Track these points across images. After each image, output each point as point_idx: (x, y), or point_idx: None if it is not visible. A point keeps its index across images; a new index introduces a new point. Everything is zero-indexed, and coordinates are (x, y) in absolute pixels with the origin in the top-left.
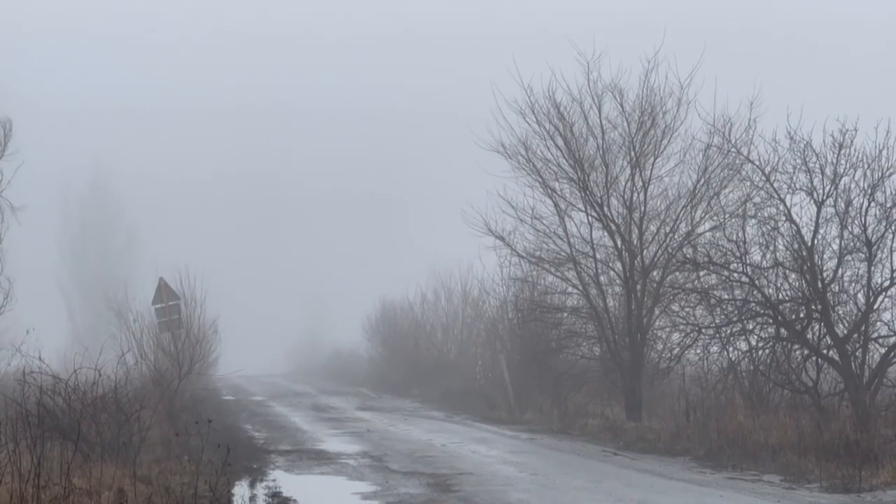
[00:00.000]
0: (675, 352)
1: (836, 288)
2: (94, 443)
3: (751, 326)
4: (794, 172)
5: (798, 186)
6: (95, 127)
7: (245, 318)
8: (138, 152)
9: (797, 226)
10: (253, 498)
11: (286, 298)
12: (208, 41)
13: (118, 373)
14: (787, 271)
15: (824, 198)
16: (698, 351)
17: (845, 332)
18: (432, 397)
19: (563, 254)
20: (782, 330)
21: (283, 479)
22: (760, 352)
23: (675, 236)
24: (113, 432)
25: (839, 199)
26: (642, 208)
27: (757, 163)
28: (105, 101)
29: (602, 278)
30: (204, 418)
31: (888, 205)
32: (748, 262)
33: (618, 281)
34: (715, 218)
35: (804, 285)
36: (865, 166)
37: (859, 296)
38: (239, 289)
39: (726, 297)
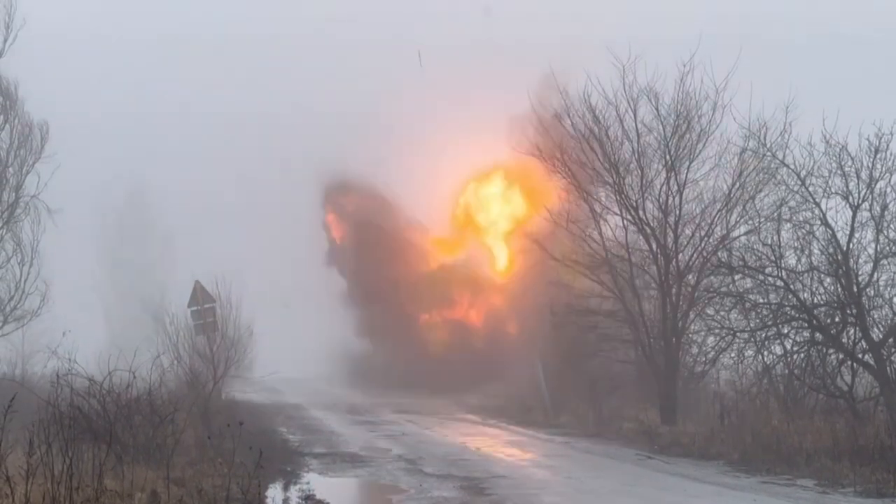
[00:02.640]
0: (709, 356)
1: (872, 292)
2: (128, 445)
3: (786, 330)
4: (829, 176)
5: (833, 190)
6: (138, 133)
7: (283, 320)
8: (177, 156)
9: (832, 230)
10: (286, 500)
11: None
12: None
13: (153, 375)
14: (823, 275)
15: (860, 202)
16: (733, 355)
17: (881, 336)
18: (468, 400)
19: (598, 257)
20: (817, 334)
21: (316, 481)
22: (795, 356)
23: (710, 240)
24: (147, 434)
25: (875, 203)
26: (677, 212)
27: (792, 167)
28: (148, 105)
29: (637, 282)
30: (238, 421)
31: None
32: (783, 265)
33: (653, 284)
34: (750, 222)
35: (839, 289)
36: None
37: (895, 300)
38: (278, 290)
39: (761, 300)
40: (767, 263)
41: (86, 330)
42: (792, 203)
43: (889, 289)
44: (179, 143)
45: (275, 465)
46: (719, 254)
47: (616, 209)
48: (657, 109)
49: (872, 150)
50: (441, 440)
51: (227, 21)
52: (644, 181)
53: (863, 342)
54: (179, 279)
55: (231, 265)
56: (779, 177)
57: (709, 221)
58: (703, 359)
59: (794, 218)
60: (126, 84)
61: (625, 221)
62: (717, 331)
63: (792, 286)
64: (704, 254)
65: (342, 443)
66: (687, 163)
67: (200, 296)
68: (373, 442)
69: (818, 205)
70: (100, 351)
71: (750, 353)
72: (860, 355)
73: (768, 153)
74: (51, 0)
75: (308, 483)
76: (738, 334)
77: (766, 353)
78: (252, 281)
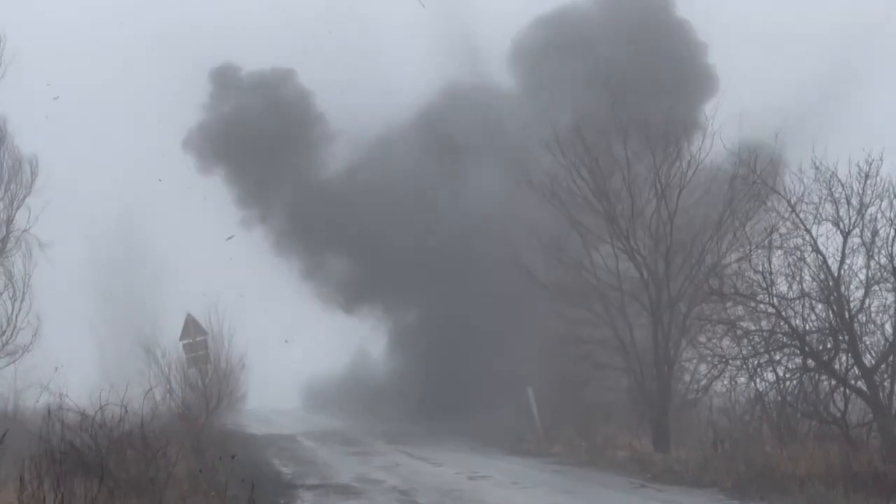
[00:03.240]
0: (702, 383)
1: (864, 318)
2: (120, 479)
3: (778, 357)
4: (819, 202)
5: (824, 216)
6: (127, 165)
7: (276, 352)
8: (168, 193)
9: (823, 256)
10: None
11: (319, 331)
12: None
13: (145, 409)
14: (814, 302)
15: (850, 228)
16: (725, 382)
17: (873, 362)
18: (462, 430)
19: (589, 286)
20: (809, 360)
21: None
22: (788, 383)
23: (702, 267)
24: (139, 468)
25: (865, 229)
26: (668, 240)
27: (782, 193)
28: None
29: (629, 310)
30: (231, 453)
31: None
32: (774, 292)
33: (644, 313)
34: (741, 249)
35: (831, 316)
36: (892, 196)
37: (887, 326)
38: (271, 322)
39: (753, 328)
40: (759, 290)
41: (78, 364)
42: (783, 230)
43: (880, 315)
44: (171, 175)
45: (267, 497)
46: (710, 281)
47: (607, 237)
48: (647, 137)
49: (862, 175)
50: (435, 471)
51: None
52: (634, 209)
53: (855, 368)
54: (172, 312)
55: (226, 297)
56: (769, 203)
57: (700, 249)
58: (696, 386)
59: (785, 244)
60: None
61: (615, 250)
62: (708, 358)
63: (783, 313)
64: (696, 281)
65: (335, 474)
66: (677, 190)
67: (192, 329)
68: (366, 473)
69: (809, 231)
70: (92, 385)
71: (742, 380)
72: (853, 381)
73: (758, 180)
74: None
75: None
76: (730, 361)
77: (758, 380)
78: (248, 311)
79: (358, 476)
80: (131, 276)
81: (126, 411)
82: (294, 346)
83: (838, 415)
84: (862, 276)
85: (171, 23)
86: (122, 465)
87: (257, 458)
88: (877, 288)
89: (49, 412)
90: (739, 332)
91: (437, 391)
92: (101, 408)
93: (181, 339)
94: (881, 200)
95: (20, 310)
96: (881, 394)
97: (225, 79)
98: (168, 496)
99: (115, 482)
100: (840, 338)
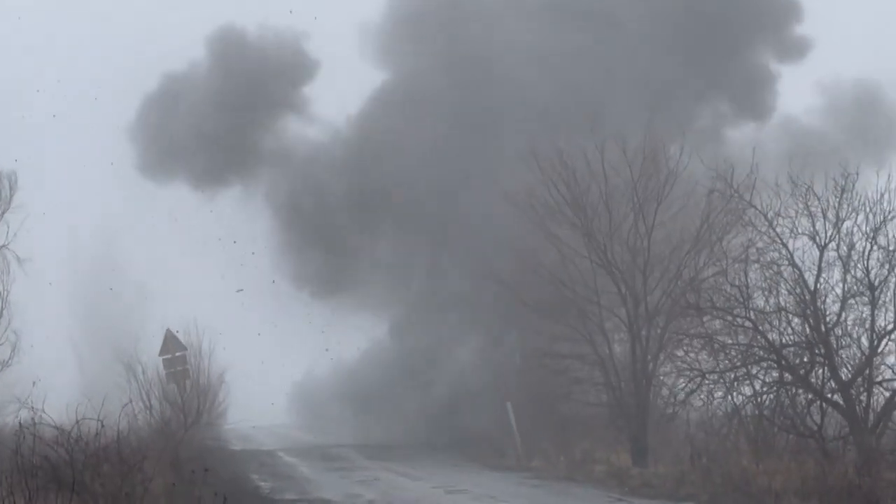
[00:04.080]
0: (679, 397)
1: (840, 332)
2: (96, 493)
3: (755, 371)
4: (796, 217)
5: (800, 231)
6: (105, 180)
7: (257, 368)
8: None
9: (800, 270)
10: None
11: (298, 346)
12: None
13: (122, 423)
14: (791, 315)
15: (827, 242)
16: (703, 396)
17: (849, 375)
18: (441, 445)
19: (567, 300)
20: (786, 374)
21: None
22: (765, 396)
23: (679, 282)
24: (115, 483)
25: (842, 243)
26: (646, 254)
27: (759, 208)
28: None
29: (607, 325)
30: (209, 468)
31: (891, 248)
32: (751, 306)
33: (622, 327)
34: (718, 263)
35: (807, 329)
36: (867, 210)
37: (863, 339)
38: (252, 338)
39: (730, 342)
40: (736, 304)
41: (59, 380)
42: (760, 244)
43: (857, 328)
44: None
45: None
46: (688, 295)
47: (584, 252)
48: (624, 152)
49: (839, 190)
50: (412, 486)
51: None
52: (612, 224)
53: (832, 382)
54: (152, 327)
55: (207, 312)
56: (746, 218)
57: (677, 263)
58: (674, 400)
59: (762, 259)
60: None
61: (593, 264)
62: (686, 372)
63: (760, 327)
64: (673, 296)
65: (314, 489)
66: (655, 205)
67: (171, 344)
68: (345, 488)
69: (785, 245)
70: (71, 400)
71: (719, 394)
72: (829, 395)
73: (735, 195)
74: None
75: None
76: (707, 375)
77: (735, 393)
78: (228, 327)
79: (337, 491)
80: (112, 290)
81: (103, 426)
82: (279, 358)
83: (815, 428)
84: (838, 290)
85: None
86: (98, 479)
87: (236, 472)
88: (853, 301)
89: (20, 426)
90: (717, 346)
91: (419, 406)
92: (77, 422)
93: (160, 354)
94: (857, 214)
95: None
96: (857, 407)
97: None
98: None
99: (91, 496)
100: (816, 351)
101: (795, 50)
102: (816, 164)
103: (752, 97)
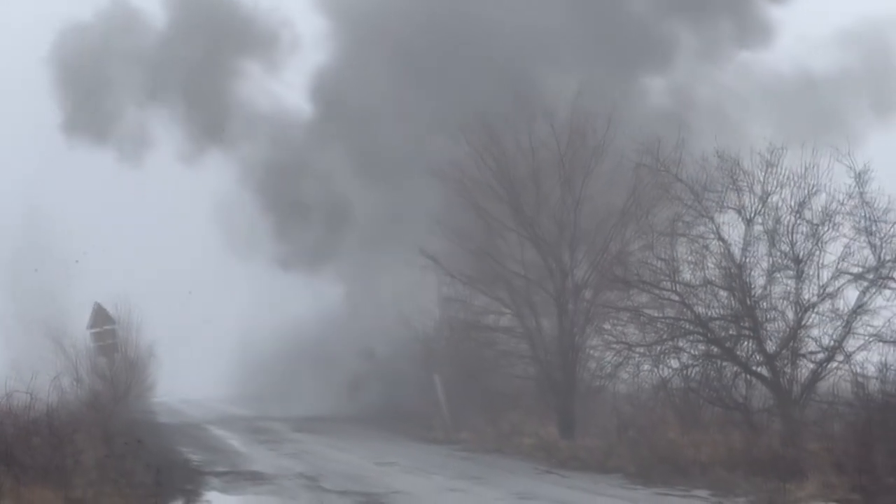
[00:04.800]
0: (607, 370)
1: (766, 305)
2: (27, 466)
3: (682, 344)
4: (723, 191)
5: (727, 205)
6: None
7: (184, 342)
8: (74, 177)
9: (727, 244)
10: None
11: (227, 320)
12: None
13: (52, 397)
14: (717, 289)
15: (753, 216)
16: (630, 369)
17: (775, 348)
18: (369, 418)
19: (495, 274)
20: (713, 347)
21: (217, 499)
22: (692, 369)
23: (606, 255)
24: (46, 456)
25: (768, 217)
26: (573, 228)
27: (686, 181)
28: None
29: (535, 298)
30: (136, 440)
31: (815, 222)
32: (679, 280)
33: (550, 301)
34: (645, 237)
35: (734, 303)
36: (793, 184)
37: (788, 312)
38: (178, 313)
39: (657, 315)
40: (663, 278)
41: None
42: (687, 218)
43: (782, 301)
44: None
45: (175, 484)
46: (615, 269)
47: (512, 226)
48: (552, 126)
49: (765, 164)
50: (341, 458)
51: None
52: (539, 197)
53: (757, 355)
54: (81, 301)
55: (138, 285)
56: (673, 192)
57: (604, 237)
58: (601, 373)
59: (689, 233)
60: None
61: (521, 238)
62: (613, 346)
63: (687, 300)
64: (600, 269)
65: (244, 461)
66: (582, 178)
67: (100, 318)
68: (274, 460)
69: (712, 219)
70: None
71: (647, 367)
72: (755, 367)
73: (662, 168)
74: None
75: (209, 502)
76: (634, 349)
77: (662, 366)
78: (157, 301)
79: (266, 463)
80: (38, 264)
81: (33, 399)
82: (213, 328)
83: (741, 400)
84: (764, 264)
85: None
86: (29, 452)
87: (166, 445)
88: (779, 275)
89: None
90: (644, 319)
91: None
92: (6, 396)
93: (89, 327)
94: (783, 189)
95: None
96: (782, 379)
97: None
98: (75, 483)
99: (22, 469)
100: (743, 324)
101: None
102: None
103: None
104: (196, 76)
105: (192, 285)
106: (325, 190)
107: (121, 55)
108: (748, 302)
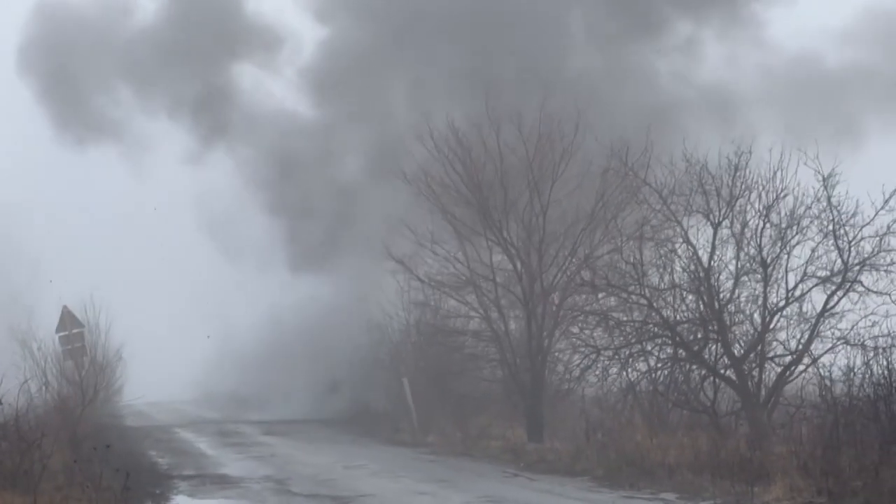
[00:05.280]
0: (575, 374)
1: (733, 308)
2: None
3: (649, 347)
4: (690, 195)
5: (694, 208)
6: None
7: (152, 345)
8: (42, 179)
9: (694, 248)
10: None
11: (194, 323)
12: None
13: (19, 401)
14: (685, 293)
15: (720, 219)
16: (598, 372)
17: (742, 351)
18: (337, 421)
19: (463, 278)
20: (680, 351)
21: (185, 503)
22: (659, 372)
23: (574, 259)
24: (13, 460)
25: (735, 221)
26: (541, 232)
27: (654, 185)
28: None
29: (503, 302)
30: (105, 444)
31: (783, 226)
32: (646, 283)
33: (518, 304)
34: (613, 241)
35: (701, 306)
36: (760, 188)
37: (755, 316)
38: (146, 316)
39: (625, 318)
40: (630, 282)
41: None
42: (654, 222)
43: (749, 305)
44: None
45: (143, 487)
46: (583, 273)
47: (480, 230)
48: (520, 130)
49: (732, 168)
50: (309, 461)
51: None
52: (507, 202)
53: (725, 358)
54: (48, 304)
55: (103, 288)
56: (641, 196)
57: (572, 241)
58: (569, 377)
59: (657, 236)
60: None
61: (489, 242)
62: (581, 349)
63: (655, 304)
64: (568, 273)
65: (211, 465)
66: (550, 183)
67: (69, 321)
68: (242, 463)
69: (679, 223)
70: None
71: (614, 370)
72: (722, 371)
73: (630, 172)
74: None
75: None
76: (602, 352)
77: (630, 370)
78: (124, 305)
79: (234, 466)
80: (6, 269)
81: (0, 404)
82: (173, 340)
83: (708, 403)
84: (732, 268)
85: None
86: None
87: (133, 449)
88: (746, 279)
89: None
90: (612, 322)
91: (318, 378)
92: None
93: (57, 331)
94: (750, 192)
95: None
96: (750, 382)
97: None
98: (43, 488)
99: None
100: (710, 328)
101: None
102: None
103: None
104: (195, 74)
105: (166, 286)
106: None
107: (118, 49)
108: (715, 305)
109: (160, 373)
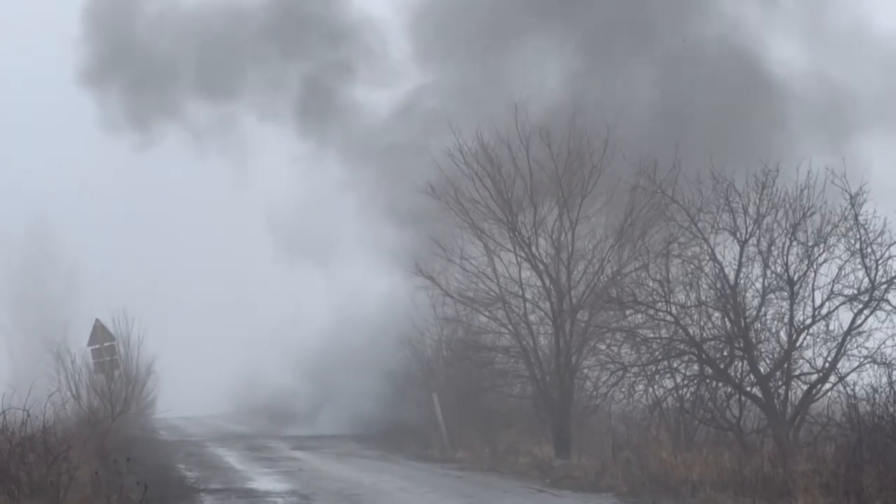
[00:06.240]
0: (602, 390)
1: (759, 326)
2: (21, 482)
3: (676, 364)
4: (717, 212)
5: (721, 226)
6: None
7: (186, 359)
8: (78, 192)
9: (721, 265)
10: None
11: (229, 338)
12: None
13: (48, 413)
14: (711, 310)
15: (747, 237)
16: (624, 389)
17: (768, 369)
18: (367, 436)
19: (492, 294)
20: (707, 368)
21: None
22: (685, 389)
23: (602, 276)
24: (40, 472)
25: (762, 239)
26: (570, 248)
27: (681, 203)
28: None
29: (531, 318)
30: (135, 457)
31: (809, 243)
32: (673, 301)
33: (547, 320)
34: (640, 258)
35: (728, 324)
36: (787, 206)
37: (782, 333)
38: (182, 329)
39: (652, 335)
40: (657, 299)
41: None
42: (682, 239)
43: (776, 322)
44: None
45: (169, 501)
46: (610, 290)
47: (509, 246)
48: (549, 147)
49: (759, 186)
50: (337, 476)
51: None
52: (537, 218)
53: (751, 375)
54: (83, 317)
55: (136, 301)
56: (668, 213)
57: (600, 257)
58: (596, 393)
59: (684, 254)
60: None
61: (518, 258)
62: (609, 365)
63: (681, 321)
64: (596, 290)
65: (239, 479)
66: (579, 199)
67: (101, 335)
68: (269, 478)
69: (706, 241)
70: (3, 391)
71: (641, 387)
72: (748, 388)
73: (658, 190)
74: None
75: None
76: (629, 369)
77: (656, 386)
78: (158, 318)
79: (261, 481)
80: (43, 282)
81: (28, 415)
82: (207, 354)
83: (734, 421)
84: (758, 285)
85: None
86: (23, 468)
87: (162, 462)
88: (772, 296)
89: None
90: (638, 339)
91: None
92: (3, 412)
93: (89, 344)
94: (777, 210)
95: None
96: (776, 400)
97: None
98: (69, 499)
99: (17, 485)
100: (736, 345)
101: None
102: None
103: None
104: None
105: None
106: None
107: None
108: (742, 323)
109: (195, 387)
